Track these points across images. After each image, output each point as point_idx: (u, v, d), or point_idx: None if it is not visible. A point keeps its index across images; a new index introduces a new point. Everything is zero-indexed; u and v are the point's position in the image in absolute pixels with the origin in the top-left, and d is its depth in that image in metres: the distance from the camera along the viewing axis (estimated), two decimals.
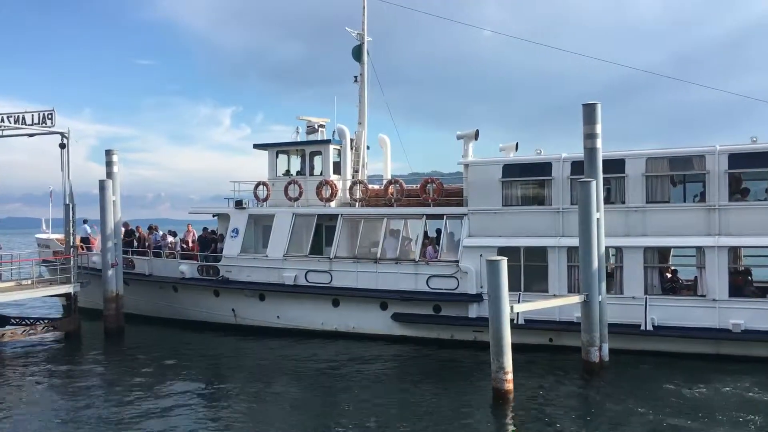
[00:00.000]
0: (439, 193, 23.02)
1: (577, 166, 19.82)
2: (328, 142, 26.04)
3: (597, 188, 17.97)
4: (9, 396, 16.80)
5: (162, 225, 30.91)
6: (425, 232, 23.47)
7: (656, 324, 19.01)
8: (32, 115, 24.18)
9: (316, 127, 27.20)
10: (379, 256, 22.99)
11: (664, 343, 19.04)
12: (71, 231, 24.55)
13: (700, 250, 19.11)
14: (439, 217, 23.11)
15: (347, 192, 25.00)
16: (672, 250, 21.10)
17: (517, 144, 22.84)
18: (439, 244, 22.82)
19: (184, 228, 28.88)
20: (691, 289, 19.92)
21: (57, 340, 23.76)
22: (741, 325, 18.33)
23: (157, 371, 19.01)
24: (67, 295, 23.96)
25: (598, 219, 17.97)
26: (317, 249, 24.37)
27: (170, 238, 27.91)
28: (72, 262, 23.97)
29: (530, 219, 21.10)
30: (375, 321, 22.76)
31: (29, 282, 23.69)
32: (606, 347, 18.08)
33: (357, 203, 24.58)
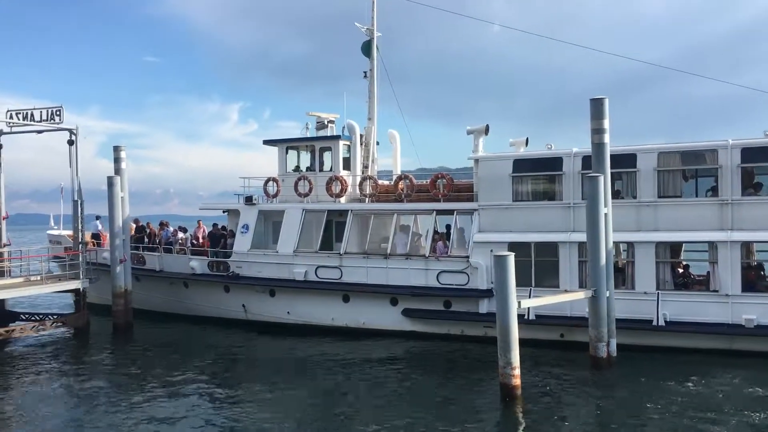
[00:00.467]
0: (449, 189, 22.98)
1: (588, 161, 19.68)
2: (338, 137, 26.02)
3: (605, 183, 17.90)
4: (16, 392, 16.91)
5: (171, 221, 30.99)
6: (435, 228, 23.45)
7: (668, 319, 18.94)
8: (40, 112, 24.25)
9: (326, 122, 27.17)
10: (389, 251, 22.97)
11: (677, 338, 18.94)
12: (80, 227, 24.63)
13: (712, 245, 19.00)
14: (450, 212, 23.10)
15: (357, 187, 25.00)
16: (683, 245, 20.97)
17: (527, 139, 22.81)
18: (449, 240, 22.79)
19: (193, 224, 28.94)
20: (703, 284, 19.82)
21: (66, 335, 23.89)
22: (754, 320, 18.23)
23: (165, 367, 19.04)
24: (75, 291, 24.06)
25: (605, 214, 17.90)
26: (327, 245, 24.38)
27: (181, 234, 28.00)
28: (80, 258, 24.05)
29: (541, 214, 21.04)
30: (385, 316, 22.75)
31: (38, 278, 23.81)
32: (614, 343, 18.03)
33: (367, 199, 24.57)
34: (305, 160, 26.97)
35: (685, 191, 19.85)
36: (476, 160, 22.27)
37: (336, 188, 24.41)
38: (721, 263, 18.71)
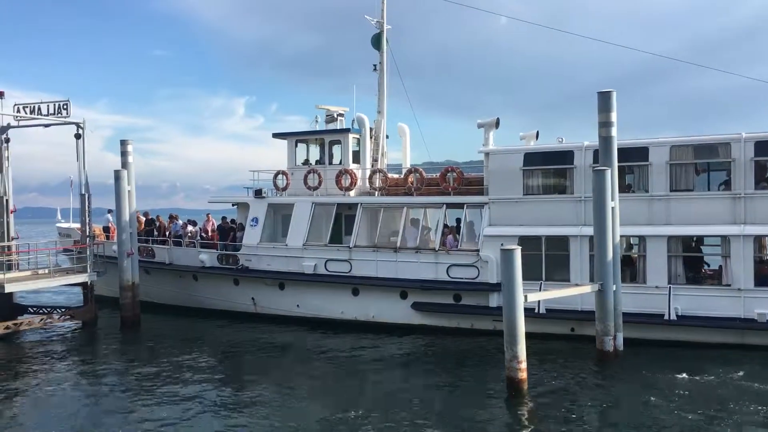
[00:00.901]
0: (459, 182, 22.90)
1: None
2: (347, 131, 25.97)
3: (612, 177, 17.78)
4: (23, 384, 16.89)
5: (177, 215, 31.00)
6: (445, 222, 23.38)
7: (680, 314, 18.84)
8: (48, 106, 24.29)
9: (335, 116, 27.15)
10: (399, 245, 22.93)
11: (688, 332, 18.85)
12: (87, 220, 24.66)
13: (725, 239, 18.89)
14: (460, 206, 23.01)
15: (367, 181, 24.94)
16: (704, 239, 20.81)
17: (537, 132, 22.71)
18: (459, 233, 22.73)
19: (200, 218, 28.92)
20: (715, 278, 19.71)
21: (74, 328, 23.93)
22: (766, 314, 18.13)
23: (171, 361, 18.97)
24: (83, 284, 24.09)
25: (612, 208, 17.79)
26: (337, 238, 24.35)
27: (190, 228, 28.02)
28: (88, 251, 24.09)
29: (552, 208, 20.94)
30: (395, 310, 22.72)
31: (46, 271, 23.85)
32: (621, 336, 17.99)
33: (376, 192, 24.51)
34: (315, 153, 26.95)
35: (697, 185, 19.73)
36: (487, 154, 22.17)
37: (345, 181, 24.37)
38: (734, 257, 18.59)
